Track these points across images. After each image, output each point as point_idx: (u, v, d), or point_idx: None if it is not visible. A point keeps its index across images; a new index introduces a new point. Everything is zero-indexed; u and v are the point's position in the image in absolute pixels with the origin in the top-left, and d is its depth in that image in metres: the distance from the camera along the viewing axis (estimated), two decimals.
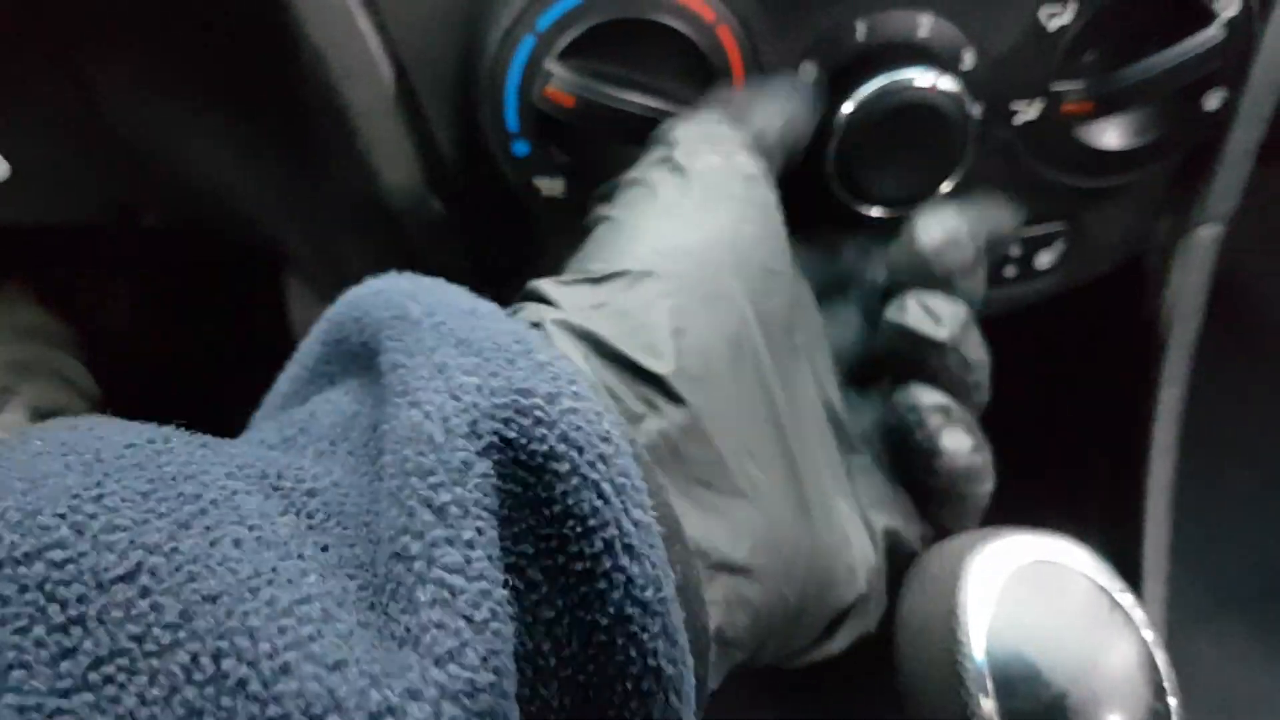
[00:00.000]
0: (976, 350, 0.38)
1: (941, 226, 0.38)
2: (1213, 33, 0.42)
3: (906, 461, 0.37)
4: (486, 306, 0.29)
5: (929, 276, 0.38)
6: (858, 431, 0.38)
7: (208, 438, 0.26)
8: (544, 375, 0.25)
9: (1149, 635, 0.29)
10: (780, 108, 0.38)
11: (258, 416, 0.31)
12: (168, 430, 0.25)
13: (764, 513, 0.30)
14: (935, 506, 0.38)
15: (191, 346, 0.89)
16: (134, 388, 0.84)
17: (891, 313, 0.38)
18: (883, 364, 0.39)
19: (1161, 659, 0.29)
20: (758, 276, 0.32)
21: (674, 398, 0.29)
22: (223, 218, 0.62)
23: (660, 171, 0.35)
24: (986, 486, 0.37)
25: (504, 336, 0.26)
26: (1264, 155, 0.50)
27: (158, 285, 0.88)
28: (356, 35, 0.40)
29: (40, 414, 0.77)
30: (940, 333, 0.37)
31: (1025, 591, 0.30)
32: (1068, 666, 0.28)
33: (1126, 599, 0.30)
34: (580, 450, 0.24)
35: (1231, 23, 0.42)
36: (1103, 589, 0.30)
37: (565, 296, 0.31)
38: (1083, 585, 0.30)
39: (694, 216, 0.33)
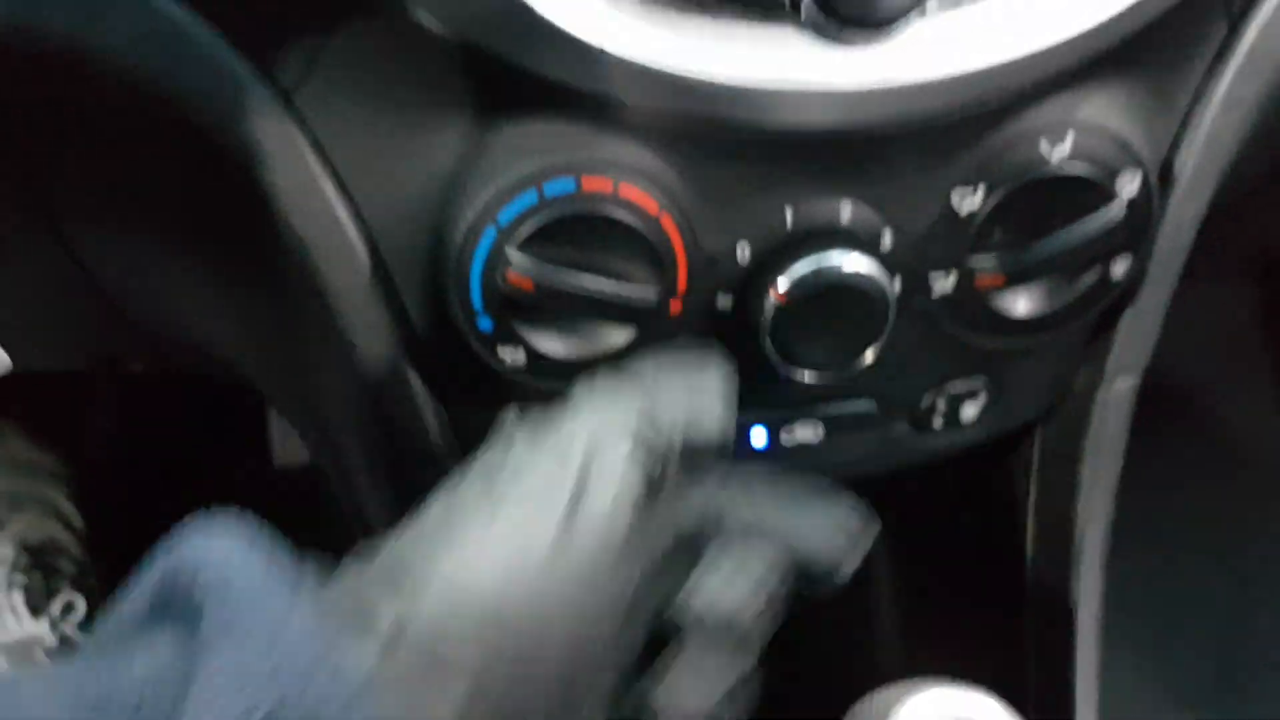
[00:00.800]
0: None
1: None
2: (1114, 211, 0.46)
3: None
4: (298, 602, 0.31)
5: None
6: None
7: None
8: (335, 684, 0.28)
9: None
10: (690, 403, 0.38)
11: (89, 643, 0.33)
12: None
13: None
14: None
15: (174, 478, 0.92)
16: (119, 520, 0.86)
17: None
18: None
19: None
20: (572, 634, 0.33)
21: None
22: (206, 365, 0.66)
23: (529, 470, 0.35)
24: None
25: (305, 639, 0.29)
26: (1195, 273, 0.55)
27: (142, 420, 0.92)
28: (336, 224, 0.44)
29: (28, 546, 0.79)
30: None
31: None
32: None
33: None
34: None
35: (1132, 202, 0.47)
36: None
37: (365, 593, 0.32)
38: None
39: (533, 549, 0.33)
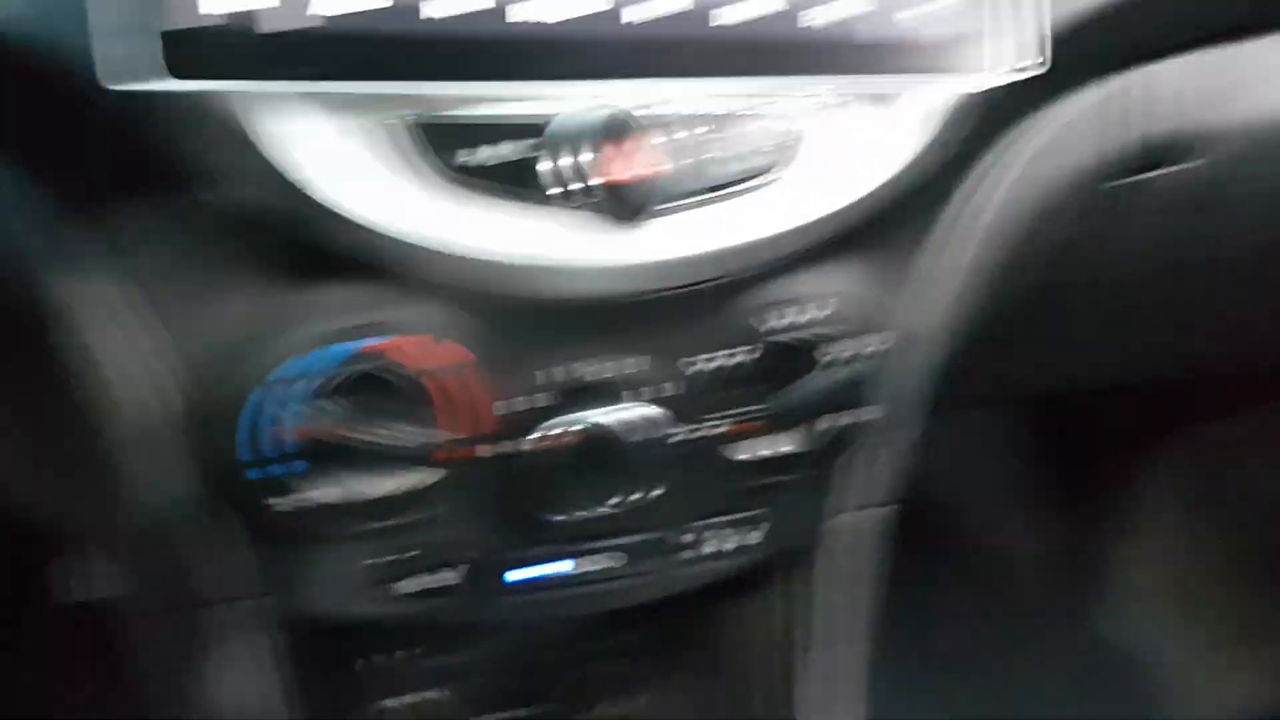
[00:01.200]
0: None
1: None
2: (852, 367, 0.53)
3: None
4: None
5: None
6: None
7: None
8: None
9: None
10: None
11: None
12: None
13: None
14: None
15: None
16: None
17: None
18: None
19: None
20: None
21: None
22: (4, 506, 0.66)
23: None
24: None
25: None
26: (961, 406, 0.61)
27: None
28: (147, 376, 0.47)
29: None
30: None
31: None
32: None
33: None
34: None
35: (868, 359, 0.53)
36: None
37: None
38: None
39: None
